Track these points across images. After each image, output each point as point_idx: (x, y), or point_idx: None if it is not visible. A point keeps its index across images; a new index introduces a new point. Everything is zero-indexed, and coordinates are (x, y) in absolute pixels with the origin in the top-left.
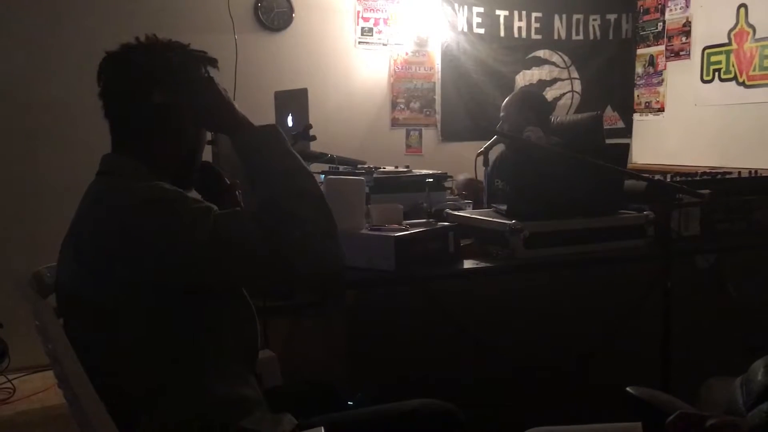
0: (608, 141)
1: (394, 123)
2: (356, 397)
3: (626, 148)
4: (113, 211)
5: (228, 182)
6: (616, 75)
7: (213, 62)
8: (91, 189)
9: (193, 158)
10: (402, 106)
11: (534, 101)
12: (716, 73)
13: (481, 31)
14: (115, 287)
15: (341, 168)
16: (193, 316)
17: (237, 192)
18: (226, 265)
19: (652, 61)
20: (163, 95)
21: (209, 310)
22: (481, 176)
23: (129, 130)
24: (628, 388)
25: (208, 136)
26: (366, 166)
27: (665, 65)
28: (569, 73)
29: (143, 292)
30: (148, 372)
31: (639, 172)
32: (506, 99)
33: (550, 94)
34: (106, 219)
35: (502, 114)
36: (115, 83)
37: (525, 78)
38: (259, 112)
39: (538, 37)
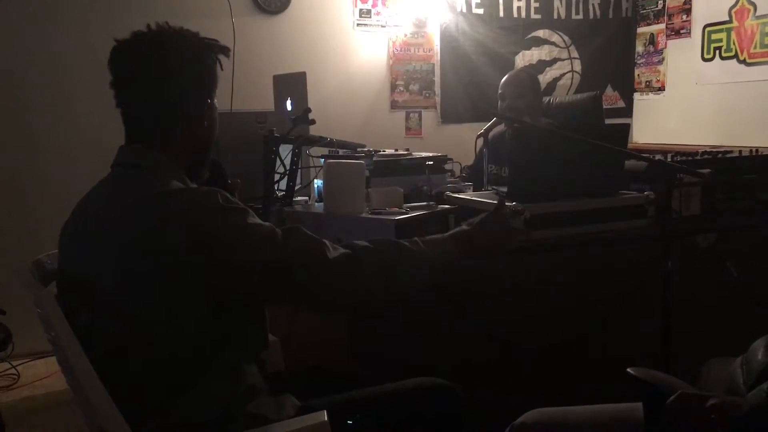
0: (609, 121)
1: (394, 105)
2: (355, 418)
3: (626, 128)
4: (185, 214)
5: (230, 181)
6: (616, 54)
7: (225, 51)
8: (123, 181)
9: (209, 149)
10: (401, 88)
11: (535, 84)
12: (717, 51)
13: (480, 11)
14: (158, 285)
15: (341, 152)
16: (219, 320)
17: (236, 192)
18: (284, 288)
19: (652, 40)
20: (178, 84)
21: (233, 316)
22: (481, 157)
23: (146, 120)
24: (628, 369)
25: None
26: (365, 149)
27: (666, 44)
28: (569, 53)
29: (189, 293)
30: (161, 365)
31: (639, 152)
32: (505, 78)
33: (550, 74)
34: (178, 220)
35: (500, 92)
36: (128, 72)
37: (525, 58)
38: (258, 95)
39: (538, 16)
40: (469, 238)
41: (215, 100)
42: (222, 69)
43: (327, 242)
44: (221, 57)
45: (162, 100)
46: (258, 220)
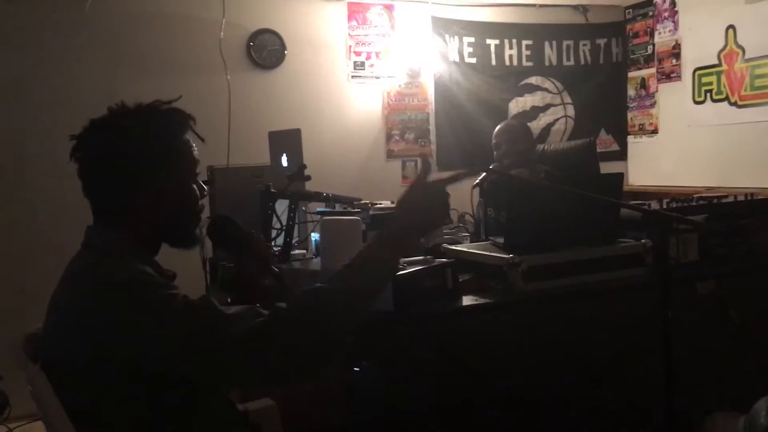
0: (603, 163)
1: (390, 155)
2: (362, 365)
3: (621, 177)
4: (80, 293)
5: (245, 232)
6: (608, 98)
7: (185, 125)
8: (72, 262)
9: (179, 217)
10: (397, 137)
11: (527, 132)
12: (708, 94)
13: (473, 60)
14: (81, 362)
15: (337, 206)
16: (153, 396)
17: (259, 237)
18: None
19: (643, 84)
20: (126, 166)
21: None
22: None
23: (105, 201)
24: None
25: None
26: (362, 202)
27: (657, 87)
28: (562, 99)
29: (104, 368)
30: None
31: (635, 194)
32: (497, 128)
33: (543, 119)
34: (75, 299)
35: (494, 142)
36: (83, 161)
37: (518, 105)
38: (255, 149)
39: (530, 64)
40: (399, 230)
41: (182, 172)
42: (181, 141)
43: (237, 314)
44: (192, 120)
45: (112, 181)
46: (159, 294)
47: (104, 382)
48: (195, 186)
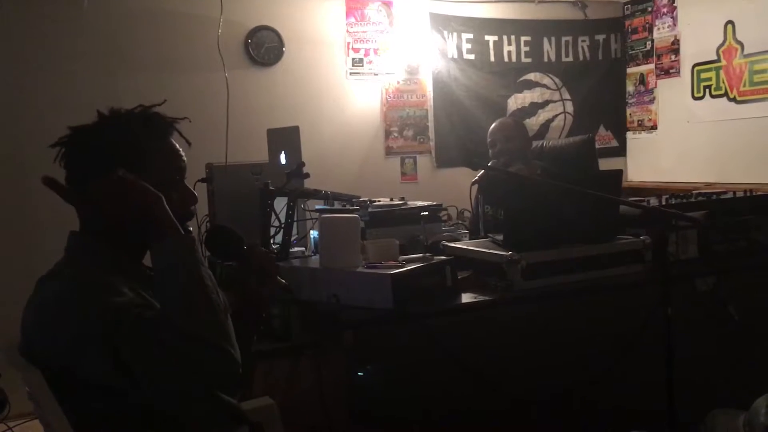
0: (603, 160)
1: (389, 151)
2: (366, 369)
3: (620, 174)
4: (43, 298)
5: (246, 245)
6: (607, 94)
7: (166, 130)
8: (54, 265)
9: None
10: (395, 134)
11: (522, 129)
12: (707, 90)
13: (472, 56)
14: (51, 364)
15: (336, 203)
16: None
17: (262, 250)
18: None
19: (642, 80)
20: (83, 167)
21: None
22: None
23: (84, 207)
24: None
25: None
26: (360, 199)
27: (656, 83)
28: (561, 95)
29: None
30: None
31: (634, 191)
32: (492, 126)
33: (542, 116)
34: (41, 302)
35: (489, 140)
36: (66, 167)
37: (517, 101)
38: (253, 148)
39: (528, 60)
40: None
41: (162, 179)
42: (161, 148)
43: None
44: (169, 121)
45: (77, 188)
46: (104, 307)
47: (79, 385)
48: (180, 192)
